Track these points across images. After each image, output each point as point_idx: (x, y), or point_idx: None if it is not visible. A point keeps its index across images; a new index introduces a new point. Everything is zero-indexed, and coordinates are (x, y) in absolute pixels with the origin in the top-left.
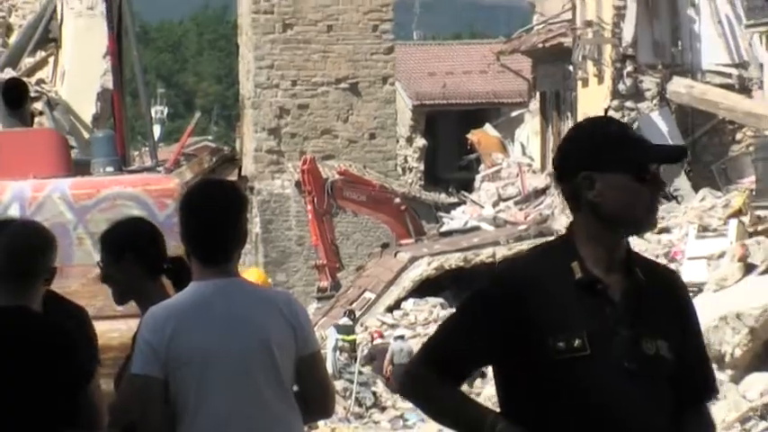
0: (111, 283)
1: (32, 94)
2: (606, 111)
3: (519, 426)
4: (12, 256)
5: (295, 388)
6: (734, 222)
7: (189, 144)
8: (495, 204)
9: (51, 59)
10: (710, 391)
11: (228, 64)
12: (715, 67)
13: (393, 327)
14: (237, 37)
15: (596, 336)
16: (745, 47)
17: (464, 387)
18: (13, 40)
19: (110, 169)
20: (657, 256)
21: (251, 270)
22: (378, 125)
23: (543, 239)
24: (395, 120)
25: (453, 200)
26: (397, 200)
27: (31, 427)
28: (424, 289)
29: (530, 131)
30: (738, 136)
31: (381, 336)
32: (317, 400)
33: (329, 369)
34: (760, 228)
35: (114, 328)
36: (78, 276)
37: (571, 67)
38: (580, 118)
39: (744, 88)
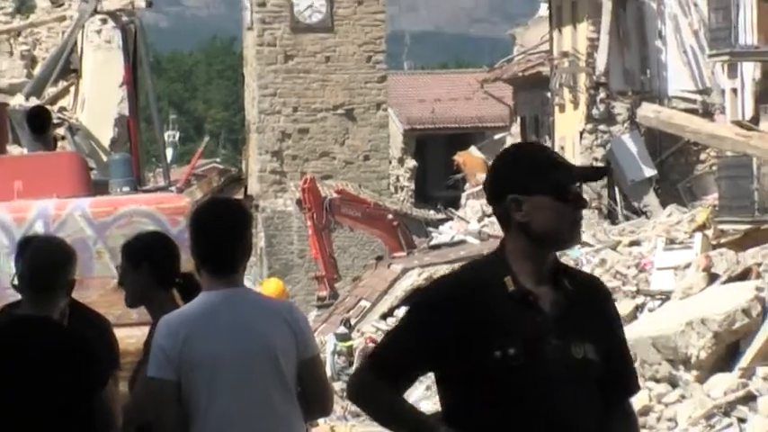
0: (126, 288)
1: (55, 121)
2: (581, 134)
3: (459, 430)
4: (35, 270)
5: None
6: (699, 236)
7: (199, 166)
8: (479, 220)
9: (72, 89)
10: (633, 387)
11: (235, 92)
12: (680, 94)
13: None
14: (243, 67)
15: (530, 344)
16: (708, 75)
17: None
18: (37, 71)
19: (126, 189)
20: (629, 267)
21: (272, 280)
22: (372, 148)
23: None
24: (387, 143)
25: (441, 216)
26: (390, 216)
27: (51, 429)
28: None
29: None
30: (702, 156)
31: (375, 341)
32: (317, 400)
33: (328, 371)
34: (722, 241)
35: (131, 335)
36: (98, 287)
37: (549, 94)
38: (558, 140)
39: (707, 112)
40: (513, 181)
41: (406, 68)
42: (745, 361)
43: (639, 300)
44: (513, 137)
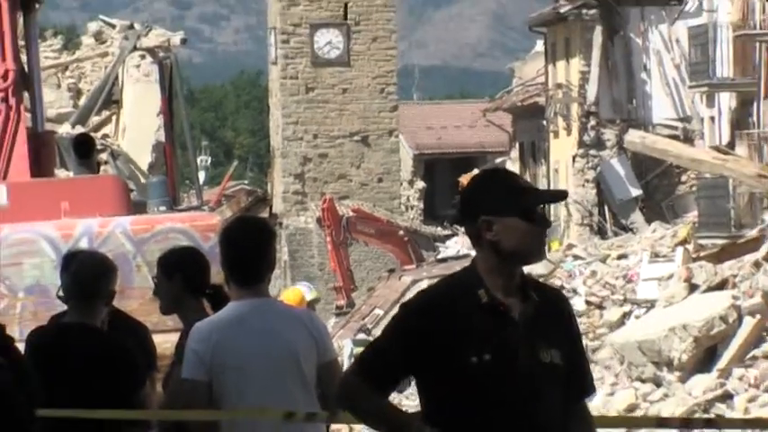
0: (160, 297)
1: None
2: (574, 158)
3: (440, 429)
4: (79, 281)
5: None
6: (680, 250)
7: (228, 187)
8: None
9: (114, 118)
10: (590, 389)
11: (261, 120)
12: (663, 121)
13: None
14: (268, 98)
15: (503, 350)
16: (689, 104)
17: None
18: (82, 101)
19: (162, 208)
20: (617, 278)
21: (291, 288)
22: (384, 171)
23: None
24: (399, 166)
25: (448, 232)
26: (401, 232)
27: (98, 426)
28: None
29: None
30: (684, 178)
31: None
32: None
33: None
34: (702, 254)
35: (167, 340)
36: (137, 297)
37: (544, 122)
38: (552, 164)
39: (687, 138)
40: (485, 204)
41: (416, 99)
42: (722, 363)
43: (627, 308)
44: (512, 161)
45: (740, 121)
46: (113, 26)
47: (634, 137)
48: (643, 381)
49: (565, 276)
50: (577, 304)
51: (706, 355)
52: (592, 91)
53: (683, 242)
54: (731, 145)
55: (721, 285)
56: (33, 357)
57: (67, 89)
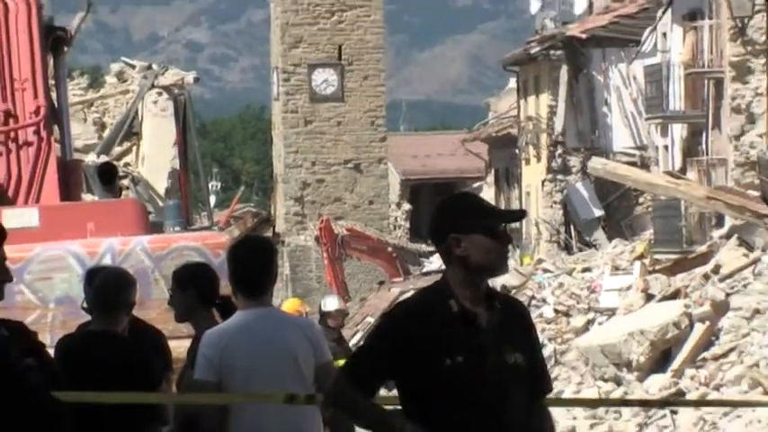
0: (175, 307)
1: (120, 174)
2: (543, 182)
3: (421, 426)
4: (103, 294)
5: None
6: (638, 264)
7: (236, 210)
8: None
9: (134, 148)
10: (548, 388)
11: (265, 150)
12: (623, 149)
13: None
14: (271, 130)
15: (473, 353)
16: (645, 134)
17: None
18: (106, 134)
19: (177, 228)
20: (582, 289)
21: (291, 300)
22: (375, 194)
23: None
24: (387, 190)
25: (431, 249)
26: (390, 249)
27: (122, 423)
28: None
29: (487, 198)
30: (641, 200)
31: None
32: None
33: None
34: (657, 267)
35: (182, 345)
36: (155, 308)
37: (517, 150)
38: (524, 187)
39: (644, 164)
40: (453, 223)
41: (402, 130)
42: (675, 364)
43: (590, 315)
44: (488, 185)
45: (691, 149)
46: (134, 67)
47: (596, 163)
48: (605, 380)
49: (535, 288)
50: (546, 312)
51: (661, 358)
52: (559, 123)
53: (641, 257)
54: (683, 170)
55: (674, 295)
56: (62, 361)
57: (93, 123)
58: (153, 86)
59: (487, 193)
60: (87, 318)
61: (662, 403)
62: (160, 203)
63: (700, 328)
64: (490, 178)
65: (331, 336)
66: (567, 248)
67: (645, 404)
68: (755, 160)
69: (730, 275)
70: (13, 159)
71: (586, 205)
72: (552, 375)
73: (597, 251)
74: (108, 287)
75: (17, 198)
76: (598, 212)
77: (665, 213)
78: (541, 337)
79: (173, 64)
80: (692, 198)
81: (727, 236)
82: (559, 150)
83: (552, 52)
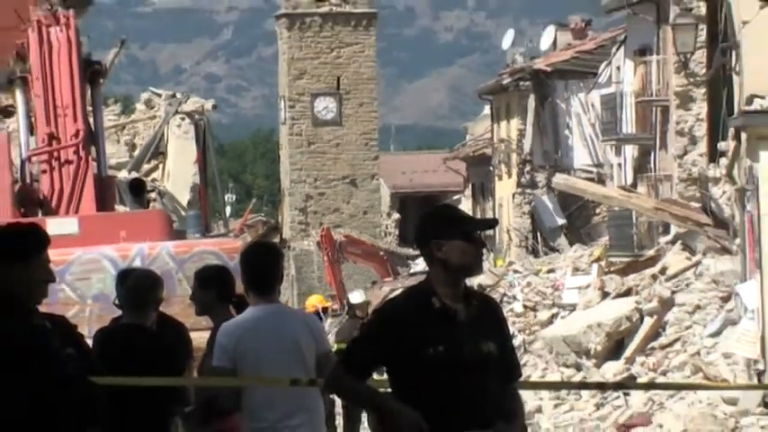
0: (196, 303)
1: (149, 188)
2: (514, 195)
3: (408, 405)
4: (135, 292)
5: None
6: (595, 266)
7: (248, 219)
8: None
9: (161, 166)
10: (517, 373)
11: (274, 168)
12: (582, 167)
13: None
14: (279, 150)
15: (452, 344)
16: (602, 154)
17: None
18: (136, 153)
19: (198, 235)
20: (547, 287)
21: (316, 296)
22: (368, 206)
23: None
24: (379, 202)
25: (417, 253)
26: (382, 253)
27: (151, 404)
28: None
29: (465, 209)
30: (598, 210)
31: None
32: None
33: None
34: (612, 269)
35: (202, 336)
36: (179, 304)
37: (491, 168)
38: (498, 200)
39: (601, 180)
40: (435, 230)
41: (392, 150)
42: (628, 352)
43: (554, 310)
44: (466, 198)
45: (641, 166)
46: (160, 95)
47: (559, 179)
48: (567, 366)
49: (507, 286)
50: (516, 308)
51: (615, 347)
52: (527, 144)
53: (598, 260)
54: (634, 185)
55: (627, 293)
56: (99, 350)
57: (124, 144)
58: (177, 112)
59: (465, 205)
60: (119, 312)
61: (616, 386)
62: (183, 213)
63: (649, 322)
64: (468, 192)
65: (358, 324)
66: (535, 252)
67: (601, 387)
68: (697, 176)
69: (675, 276)
70: (56, 175)
71: (551, 215)
72: (521, 362)
73: (560, 255)
74: (139, 287)
75: (59, 209)
76: (561, 221)
77: (618, 222)
78: (512, 330)
79: (194, 93)
80: (642, 209)
81: (673, 242)
82: (528, 168)
83: (521, 83)
